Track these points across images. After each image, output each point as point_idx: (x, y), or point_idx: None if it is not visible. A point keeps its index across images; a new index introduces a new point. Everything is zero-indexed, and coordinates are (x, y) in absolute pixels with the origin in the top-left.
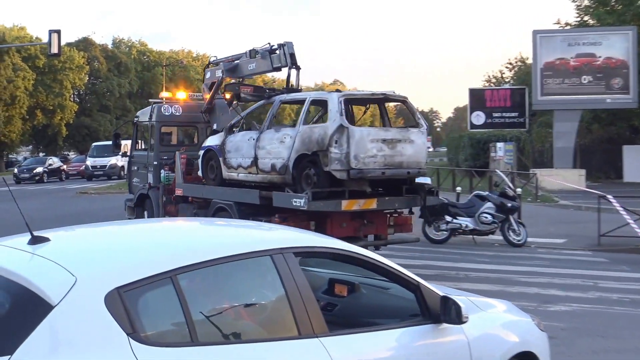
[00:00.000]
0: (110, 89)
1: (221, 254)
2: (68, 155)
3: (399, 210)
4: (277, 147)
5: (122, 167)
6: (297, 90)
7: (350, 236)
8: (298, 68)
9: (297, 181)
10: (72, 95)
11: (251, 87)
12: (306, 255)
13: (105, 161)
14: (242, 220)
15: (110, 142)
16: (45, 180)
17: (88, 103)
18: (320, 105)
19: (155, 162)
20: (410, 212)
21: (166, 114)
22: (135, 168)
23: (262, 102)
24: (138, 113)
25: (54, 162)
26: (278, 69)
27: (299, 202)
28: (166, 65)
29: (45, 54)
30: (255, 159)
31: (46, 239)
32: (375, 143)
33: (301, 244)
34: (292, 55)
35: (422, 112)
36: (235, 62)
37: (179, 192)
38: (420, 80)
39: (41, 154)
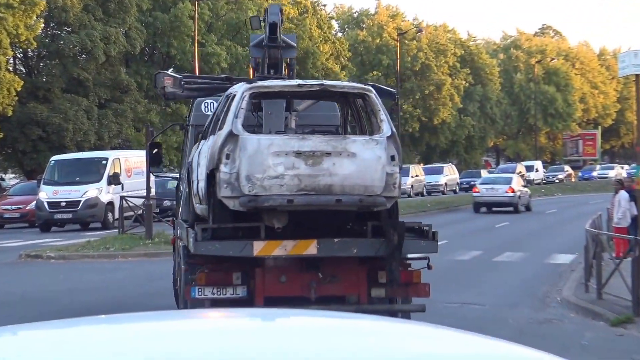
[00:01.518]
0: (89, 48)
1: None
2: (2, 180)
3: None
4: (203, 163)
5: (111, 204)
6: (280, 77)
7: (295, 297)
8: (278, 46)
9: (208, 213)
10: (10, 61)
11: (171, 78)
12: None
13: (77, 192)
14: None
15: (85, 157)
16: None
17: (43, 75)
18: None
19: (187, 189)
20: (428, 266)
21: (208, 113)
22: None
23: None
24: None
25: None
26: (270, 47)
27: (190, 242)
28: None
29: None
30: (197, 181)
31: None
32: (284, 157)
33: None
34: (272, 27)
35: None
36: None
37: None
38: None
39: None
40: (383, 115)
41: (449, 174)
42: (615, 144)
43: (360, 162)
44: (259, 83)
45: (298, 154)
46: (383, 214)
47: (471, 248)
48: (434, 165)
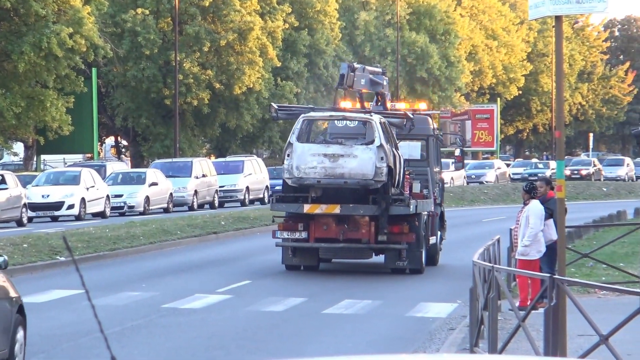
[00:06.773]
0: None
1: None
2: None
3: (398, 219)
4: None
5: None
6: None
7: (330, 237)
8: (344, 88)
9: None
10: None
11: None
12: None
13: None
14: None
15: None
16: None
17: None
18: None
19: None
20: (408, 223)
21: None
22: None
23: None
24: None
25: None
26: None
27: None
28: None
29: None
30: None
31: None
32: (317, 157)
33: None
34: (340, 77)
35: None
36: None
37: None
38: None
39: None
40: (376, 133)
41: (252, 173)
42: (523, 126)
43: (360, 160)
44: (311, 113)
45: (325, 155)
46: (380, 190)
47: (287, 294)
48: (231, 159)
